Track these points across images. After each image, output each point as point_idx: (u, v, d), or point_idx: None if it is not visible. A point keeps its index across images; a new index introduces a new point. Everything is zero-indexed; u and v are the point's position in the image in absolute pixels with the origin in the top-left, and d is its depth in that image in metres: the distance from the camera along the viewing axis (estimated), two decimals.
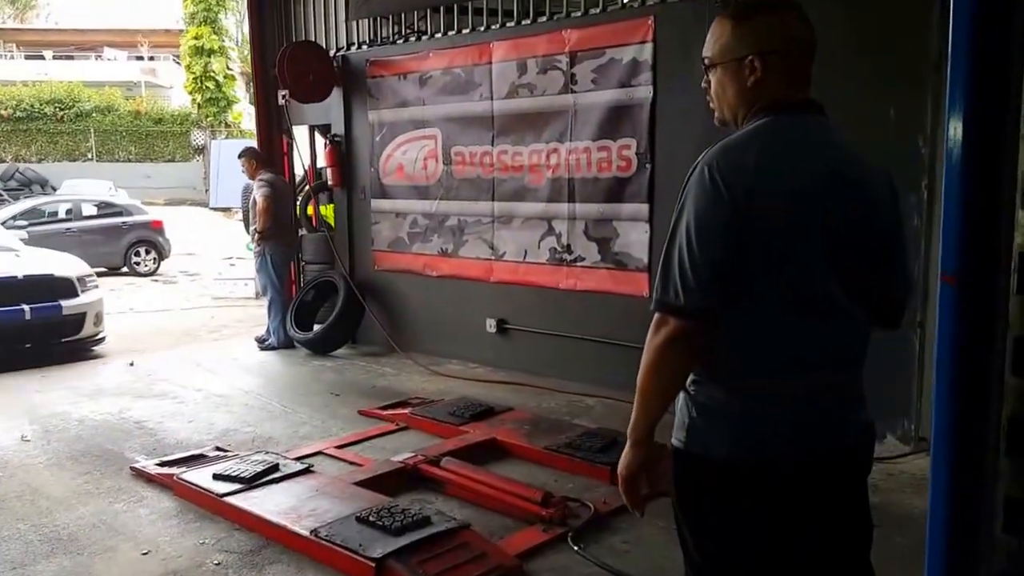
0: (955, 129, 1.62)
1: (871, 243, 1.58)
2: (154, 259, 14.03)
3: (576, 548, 3.26)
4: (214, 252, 14.09)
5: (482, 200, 6.24)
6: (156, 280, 13.16)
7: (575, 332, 5.71)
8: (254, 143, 8.07)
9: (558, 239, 5.82)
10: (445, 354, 6.53)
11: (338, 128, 7.23)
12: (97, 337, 7.22)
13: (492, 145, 6.14)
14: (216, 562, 3.24)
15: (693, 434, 1.59)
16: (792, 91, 1.60)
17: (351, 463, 4.28)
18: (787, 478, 1.56)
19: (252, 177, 7.20)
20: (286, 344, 7.07)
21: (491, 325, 6.24)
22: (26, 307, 6.59)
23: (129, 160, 26.51)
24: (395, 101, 6.76)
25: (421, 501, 3.75)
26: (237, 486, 3.76)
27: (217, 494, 3.71)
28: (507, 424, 4.67)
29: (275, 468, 3.93)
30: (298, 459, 4.20)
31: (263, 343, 7.21)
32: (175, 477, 3.94)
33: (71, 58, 34.19)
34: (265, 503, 3.61)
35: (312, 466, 4.01)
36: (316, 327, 7.05)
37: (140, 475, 4.13)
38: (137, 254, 13.89)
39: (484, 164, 6.20)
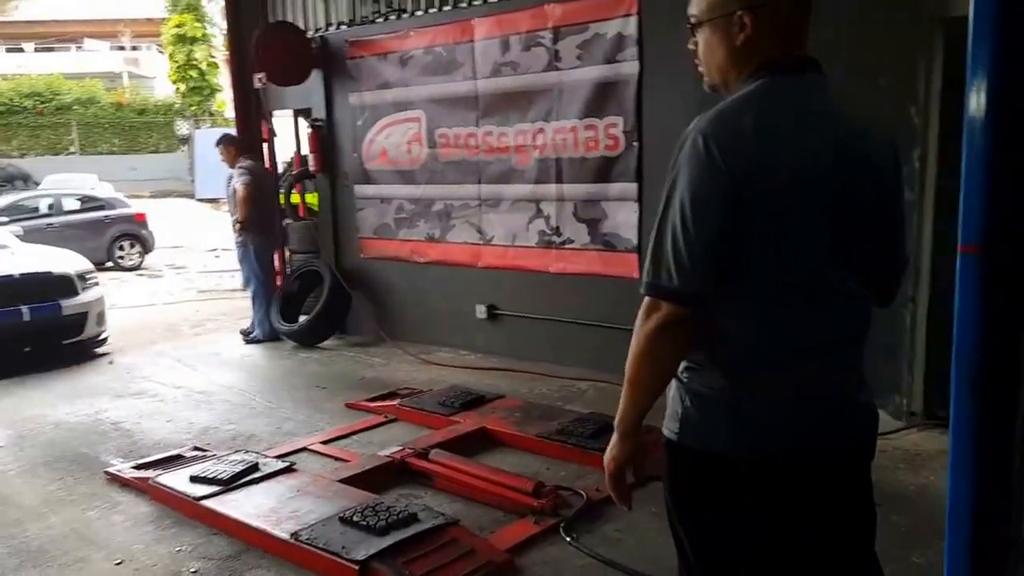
0: (978, 92, 1.49)
1: (876, 219, 1.48)
2: (139, 253, 13.77)
3: (568, 539, 3.15)
4: (200, 244, 13.88)
5: (468, 183, 6.06)
6: (141, 274, 12.92)
7: (566, 316, 5.58)
8: (234, 131, 7.85)
9: (547, 221, 5.65)
10: (435, 342, 6.37)
11: (319, 112, 7.01)
12: (100, 338, 6.79)
13: (477, 126, 5.94)
14: (193, 570, 3.08)
15: (687, 425, 1.49)
16: (787, 49, 1.47)
17: (337, 459, 4.12)
18: (790, 470, 1.45)
19: (231, 165, 6.99)
20: (272, 337, 6.89)
21: (481, 311, 6.08)
22: (24, 308, 6.15)
23: (113, 153, 26.16)
24: (376, 83, 6.55)
25: (409, 497, 3.62)
26: (215, 488, 3.59)
27: (194, 497, 3.54)
28: (498, 412, 4.52)
29: (255, 468, 3.77)
30: (280, 457, 4.03)
31: (248, 336, 7.03)
32: (150, 481, 3.77)
33: (51, 50, 33.67)
34: (244, 505, 3.45)
35: (294, 464, 3.85)
36: (302, 318, 6.86)
37: (115, 480, 3.96)
38: (121, 248, 13.62)
39: (469, 146, 6.01)
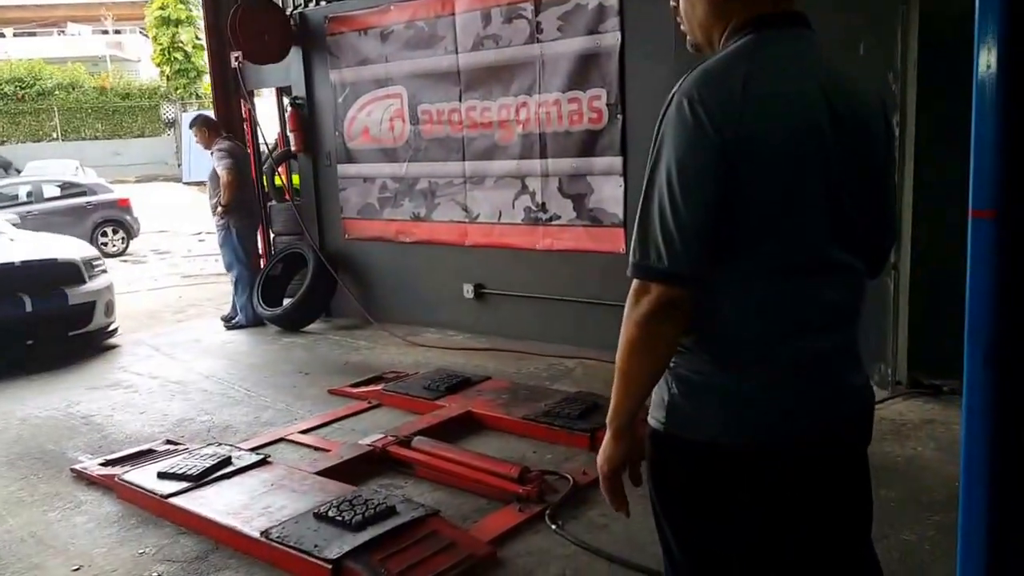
0: (988, 50, 1.36)
1: (871, 187, 1.39)
2: (122, 239, 13.51)
3: (554, 527, 3.01)
4: (186, 229, 13.63)
5: (452, 160, 5.84)
6: (125, 260, 12.66)
7: (554, 293, 5.43)
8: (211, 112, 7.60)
9: (532, 197, 5.45)
10: (422, 323, 6.18)
11: (299, 91, 6.77)
12: (109, 329, 6.28)
13: (460, 101, 5.73)
14: (155, 574, 2.89)
15: (675, 413, 1.36)
16: (775, 2, 1.35)
17: (316, 449, 3.94)
18: (785, 459, 1.34)
19: (207, 147, 6.76)
20: (255, 322, 6.69)
21: (468, 291, 5.89)
22: (26, 298, 5.69)
23: (96, 138, 25.70)
24: (356, 59, 6.31)
25: (390, 487, 3.44)
26: (184, 485, 3.41)
27: (161, 495, 3.35)
28: (484, 395, 4.35)
29: (227, 462, 3.58)
30: (255, 449, 3.86)
31: (230, 322, 6.83)
32: (116, 478, 3.57)
33: (34, 35, 33.11)
34: (214, 502, 3.27)
35: (268, 457, 3.66)
36: (286, 302, 6.65)
37: (81, 477, 3.77)
38: (104, 234, 13.35)
39: (452, 122, 5.79)
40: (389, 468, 3.63)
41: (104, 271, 6.42)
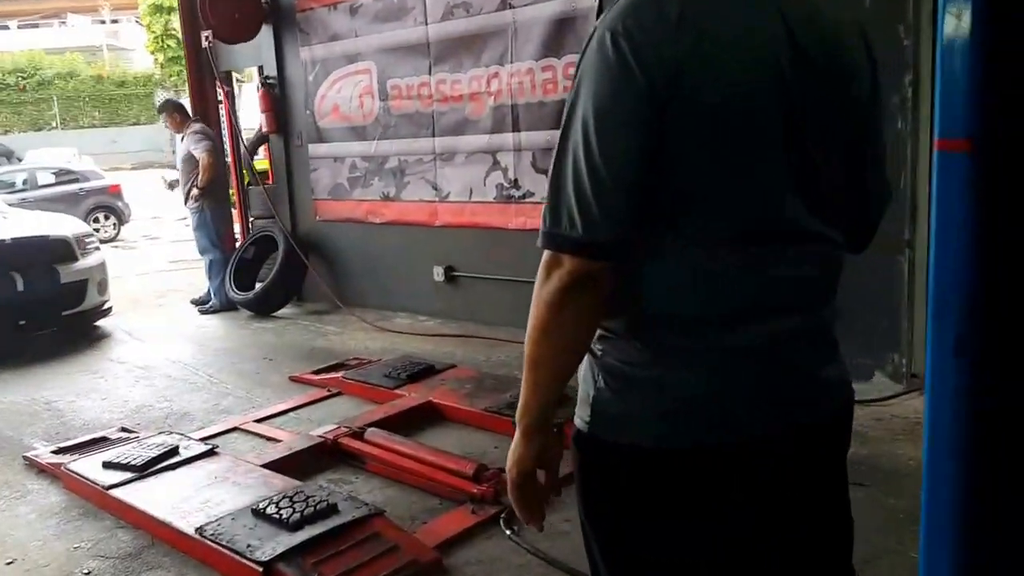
0: None
1: (845, 136, 1.14)
2: (114, 224, 13.49)
3: (509, 532, 2.80)
4: (175, 214, 13.54)
5: (422, 137, 5.65)
6: (116, 246, 12.57)
7: (527, 276, 4.99)
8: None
9: (504, 174, 5.25)
10: (393, 308, 6.02)
11: (270, 70, 6.59)
12: (103, 308, 6.06)
13: (430, 74, 5.53)
14: (86, 571, 2.77)
15: (600, 412, 1.14)
16: None
17: (269, 439, 3.80)
18: (736, 471, 1.11)
19: (178, 131, 6.62)
20: (229, 306, 6.56)
21: (438, 273, 5.71)
22: (17, 276, 5.45)
23: (94, 126, 25.67)
24: (327, 35, 6.12)
25: (338, 482, 3.30)
26: (127, 476, 3.27)
27: (103, 486, 3.22)
28: (447, 384, 4.18)
29: (174, 452, 3.45)
30: (206, 439, 3.73)
31: (204, 306, 6.70)
32: (63, 467, 3.45)
33: (36, 27, 33.08)
34: (155, 495, 3.13)
35: (216, 447, 3.52)
36: (258, 286, 6.51)
37: (33, 465, 3.65)
38: (96, 220, 13.30)
39: (422, 96, 5.60)
40: (340, 461, 3.47)
41: (97, 248, 6.23)
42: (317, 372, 4.68)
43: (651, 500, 1.12)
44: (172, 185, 7.04)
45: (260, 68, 6.72)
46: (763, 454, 1.11)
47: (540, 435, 1.17)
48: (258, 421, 4.02)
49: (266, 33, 6.46)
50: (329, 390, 4.40)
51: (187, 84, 7.53)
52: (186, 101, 7.20)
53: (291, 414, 4.13)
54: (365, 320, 5.85)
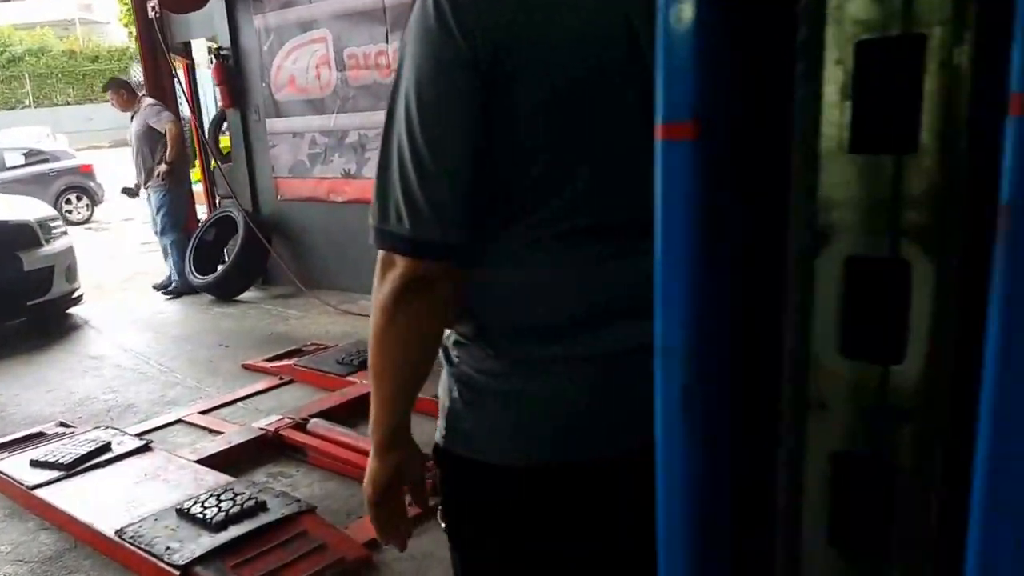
0: None
1: None
2: (87, 206, 13.15)
3: (444, 526, 2.64)
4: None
5: (381, 109, 5.26)
6: (89, 228, 12.30)
7: None
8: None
9: None
10: (357, 290, 5.80)
11: (224, 40, 6.31)
12: (73, 296, 5.76)
13: (386, 42, 5.28)
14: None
15: (454, 425, 1.03)
16: None
17: (212, 432, 3.63)
18: (598, 492, 0.99)
19: (126, 110, 6.37)
20: (191, 290, 6.35)
21: None
22: None
23: (68, 103, 25.07)
24: (280, 2, 5.84)
25: (277, 477, 3.15)
26: (54, 474, 3.12)
27: (27, 486, 3.07)
28: None
29: (106, 448, 3.28)
30: (146, 432, 3.56)
31: (166, 290, 6.49)
32: None
33: (5, 0, 32.18)
34: (82, 494, 2.98)
35: (151, 443, 3.35)
36: (220, 268, 6.30)
37: None
38: (68, 202, 12.97)
39: (380, 66, 5.36)
40: (282, 454, 3.32)
41: (64, 233, 5.89)
42: (271, 359, 4.50)
43: (502, 519, 1.03)
44: (129, 192, 6.70)
45: (213, 39, 6.43)
46: (625, 475, 0.95)
47: (395, 450, 1.06)
48: (203, 413, 3.84)
49: (217, 1, 6.18)
50: (281, 378, 4.23)
51: (140, 59, 7.25)
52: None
53: (239, 404, 3.97)
54: (329, 304, 5.65)
